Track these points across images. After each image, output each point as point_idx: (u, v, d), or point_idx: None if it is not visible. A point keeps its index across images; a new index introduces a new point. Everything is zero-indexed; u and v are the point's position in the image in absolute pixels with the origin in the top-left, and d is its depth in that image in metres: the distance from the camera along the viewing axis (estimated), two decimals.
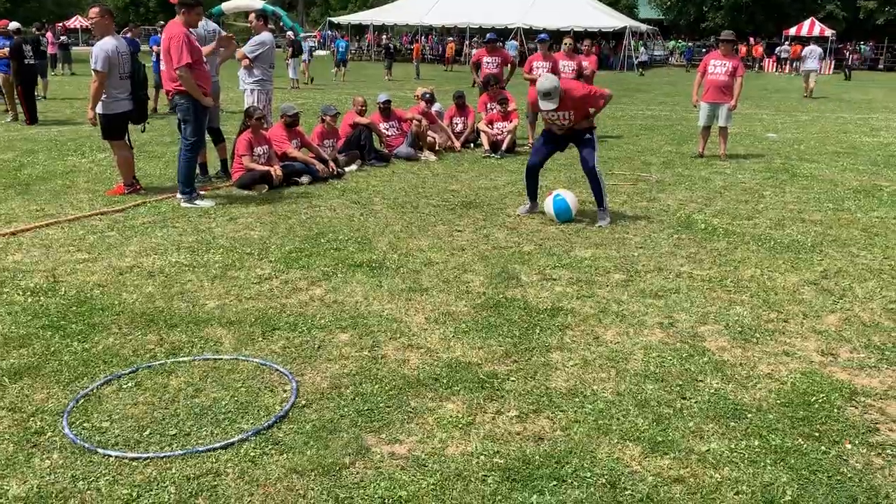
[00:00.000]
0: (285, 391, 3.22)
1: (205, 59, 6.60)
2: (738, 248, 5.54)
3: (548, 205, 6.29)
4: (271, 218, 6.23)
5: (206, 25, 7.66)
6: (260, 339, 3.77)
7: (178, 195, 6.74)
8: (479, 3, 39.27)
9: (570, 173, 8.42)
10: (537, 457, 2.74)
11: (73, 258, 5.02)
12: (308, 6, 67.68)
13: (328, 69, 27.80)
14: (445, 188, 7.63)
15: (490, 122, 10.08)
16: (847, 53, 34.67)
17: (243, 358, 3.53)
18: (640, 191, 7.64)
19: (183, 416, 2.99)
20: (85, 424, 2.93)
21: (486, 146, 9.80)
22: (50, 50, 24.31)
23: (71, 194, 6.96)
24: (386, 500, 2.49)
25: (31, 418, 2.96)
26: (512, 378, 3.38)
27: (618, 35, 38.96)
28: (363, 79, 26.81)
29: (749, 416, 3.07)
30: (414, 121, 9.51)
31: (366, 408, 3.08)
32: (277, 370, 3.41)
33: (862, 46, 43.75)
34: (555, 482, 2.59)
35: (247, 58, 8.05)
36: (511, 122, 10.00)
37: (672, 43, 49.05)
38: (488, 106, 10.47)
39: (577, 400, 3.18)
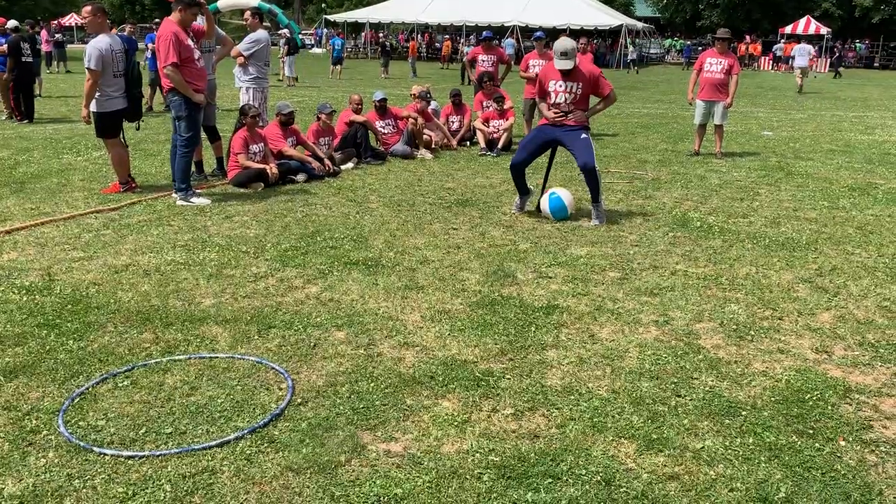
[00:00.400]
0: (281, 389, 3.23)
1: (196, 57, 6.57)
2: (734, 246, 5.56)
3: (544, 203, 6.30)
4: (267, 216, 6.23)
5: (200, 22, 7.64)
6: (256, 337, 3.77)
7: (174, 193, 6.73)
8: (475, 1, 39.24)
9: (566, 172, 8.43)
10: (532, 454, 2.75)
11: (68, 256, 5.01)
12: (304, 4, 67.56)
13: (323, 68, 27.76)
14: (441, 186, 7.63)
15: (486, 120, 10.08)
16: (837, 51, 34.70)
17: (239, 356, 3.53)
18: (636, 189, 7.65)
19: (178, 415, 2.99)
20: (80, 423, 2.93)
21: (483, 144, 9.81)
22: (45, 48, 24.24)
23: (66, 192, 6.95)
24: (381, 498, 2.49)
25: (27, 417, 2.96)
26: (507, 376, 3.38)
27: (614, 33, 38.97)
28: (359, 76, 26.78)
29: (743, 413, 3.08)
30: (410, 119, 9.51)
31: (361, 406, 3.08)
32: (273, 368, 3.41)
33: (857, 44, 43.85)
34: (550, 480, 2.60)
35: (242, 55, 8.04)
36: (507, 119, 10.01)
37: (668, 41, 49.11)
38: (484, 104, 10.48)
39: (572, 397, 3.19)
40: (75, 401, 3.09)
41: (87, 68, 6.49)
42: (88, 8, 6.67)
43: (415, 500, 2.49)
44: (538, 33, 11.24)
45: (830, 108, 17.59)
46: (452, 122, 10.68)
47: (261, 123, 7.83)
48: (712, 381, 3.37)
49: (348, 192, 7.28)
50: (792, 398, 3.22)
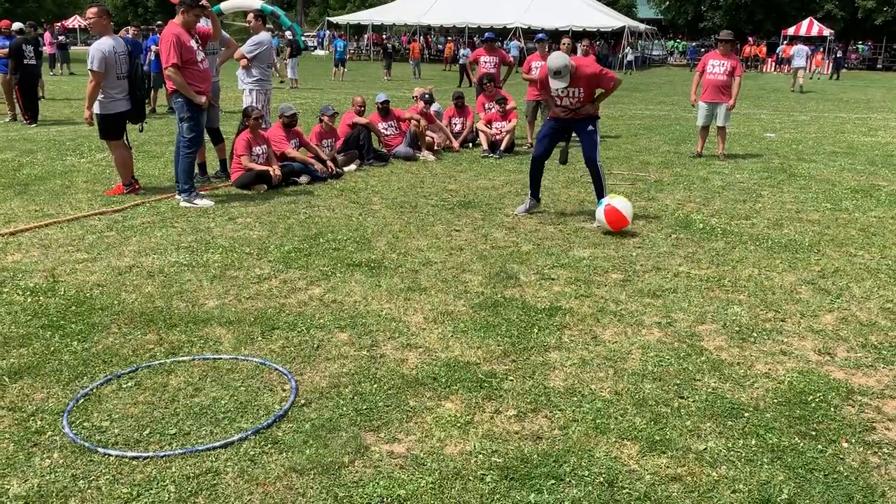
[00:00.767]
0: (284, 390, 3.23)
1: (200, 58, 6.58)
2: (736, 248, 5.56)
3: (599, 213, 5.93)
4: (270, 218, 6.24)
5: (205, 25, 7.67)
6: (259, 338, 3.78)
7: (177, 195, 6.75)
8: (477, 3, 39.28)
9: (569, 173, 8.44)
10: (535, 456, 2.76)
11: (72, 258, 5.03)
12: (306, 6, 67.64)
13: (326, 70, 27.80)
14: (444, 188, 7.64)
15: (489, 122, 10.09)
16: (837, 52, 34.68)
17: (242, 357, 3.54)
18: (639, 190, 7.65)
19: (182, 416, 3.00)
20: (85, 424, 2.94)
21: (485, 146, 9.82)
22: (48, 50, 24.33)
23: (70, 194, 6.97)
24: (384, 499, 2.50)
25: (32, 418, 2.97)
26: (510, 377, 3.39)
27: (616, 35, 38.98)
28: (362, 78, 26.81)
29: (746, 414, 3.09)
30: (412, 120, 9.52)
31: (364, 407, 3.09)
32: (276, 369, 3.42)
33: (861, 46, 43.80)
34: (553, 481, 2.61)
35: (245, 58, 8.06)
36: (510, 121, 10.02)
37: (671, 43, 49.07)
38: (486, 106, 10.49)
39: (575, 399, 3.20)
40: (80, 402, 3.11)
41: (90, 70, 6.51)
42: (94, 10, 6.69)
43: (418, 501, 2.49)
44: (540, 35, 11.25)
45: (833, 110, 17.58)
46: (455, 123, 10.70)
47: (264, 125, 7.85)
48: (715, 382, 3.38)
49: (351, 193, 7.29)
50: (794, 400, 3.22)
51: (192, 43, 6.52)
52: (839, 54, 33.92)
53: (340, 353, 3.61)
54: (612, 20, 38.86)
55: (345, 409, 3.08)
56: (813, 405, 3.18)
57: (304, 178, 7.73)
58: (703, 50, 37.35)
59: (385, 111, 9.62)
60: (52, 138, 10.54)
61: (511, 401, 3.17)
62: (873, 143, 11.64)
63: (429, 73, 29.92)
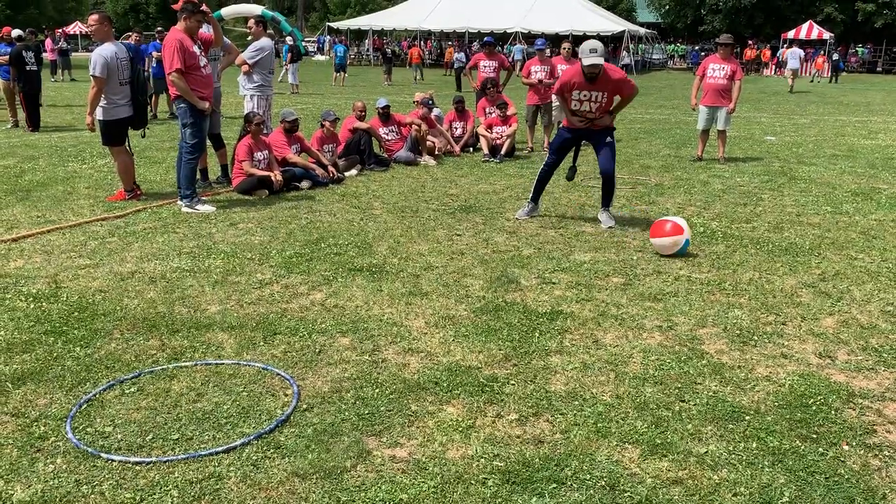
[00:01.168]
0: (286, 395, 3.24)
1: (202, 64, 6.61)
2: (737, 252, 5.57)
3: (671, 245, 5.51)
4: (272, 223, 6.26)
5: (207, 31, 7.70)
6: (261, 343, 3.79)
7: (179, 200, 6.77)
8: (477, 8, 39.37)
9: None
10: (537, 459, 2.77)
11: (74, 264, 5.04)
12: (307, 11, 67.78)
13: (327, 75, 27.83)
14: (445, 192, 7.65)
15: (489, 127, 10.11)
16: (836, 56, 34.71)
17: (245, 363, 3.56)
18: (639, 194, 7.66)
19: (185, 421, 3.01)
20: (88, 429, 2.95)
21: (486, 150, 9.84)
22: (49, 56, 24.42)
23: (72, 200, 6.99)
24: (387, 503, 2.51)
25: (35, 423, 2.98)
26: (512, 381, 3.40)
27: (617, 39, 39.05)
28: (362, 83, 26.86)
29: (747, 418, 3.09)
30: (413, 125, 9.54)
31: (366, 411, 3.10)
32: (279, 374, 3.43)
33: (860, 49, 43.83)
34: (554, 484, 2.61)
35: (246, 63, 8.09)
36: (510, 126, 10.04)
37: (671, 47, 49.10)
38: (487, 110, 10.51)
39: (576, 403, 3.20)
40: (83, 407, 3.12)
41: (92, 76, 6.53)
42: (95, 16, 6.72)
43: None
44: (539, 42, 11.27)
45: (833, 113, 17.60)
46: (456, 128, 10.72)
47: (265, 131, 7.87)
48: (716, 386, 3.39)
49: (352, 198, 7.31)
50: (795, 403, 3.23)
51: (196, 49, 6.55)
52: (835, 57, 33.93)
53: (342, 358, 3.62)
54: (612, 24, 38.92)
55: (347, 413, 3.09)
56: (814, 408, 3.18)
57: (305, 184, 7.75)
58: (703, 54, 37.37)
59: (386, 116, 9.64)
60: (53, 144, 10.57)
61: (512, 405, 3.18)
62: (873, 146, 11.65)
63: (430, 78, 29.96)
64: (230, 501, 2.51)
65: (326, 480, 2.62)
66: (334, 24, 46.21)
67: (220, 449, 2.80)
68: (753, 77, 34.62)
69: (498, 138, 9.97)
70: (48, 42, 25.77)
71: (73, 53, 30.00)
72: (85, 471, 2.67)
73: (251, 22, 8.58)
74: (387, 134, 9.66)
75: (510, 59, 27.70)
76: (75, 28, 46.53)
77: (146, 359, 3.59)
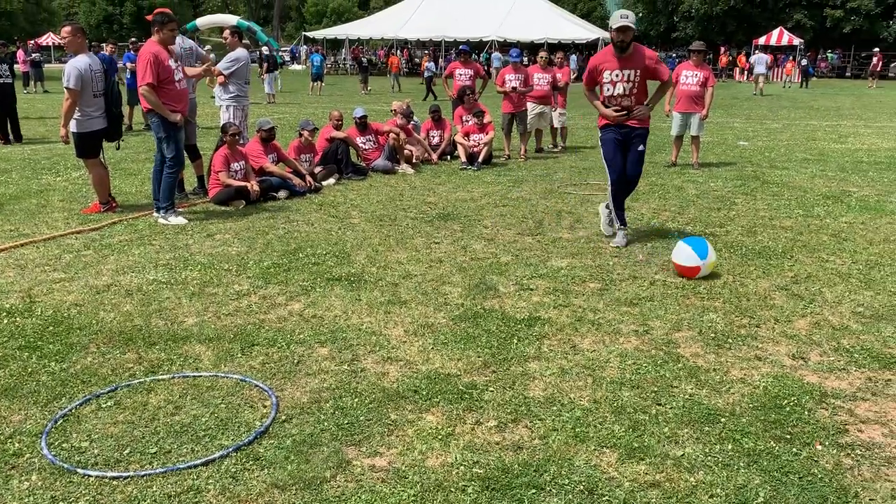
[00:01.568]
0: (265, 407, 3.24)
1: (177, 78, 6.57)
2: None
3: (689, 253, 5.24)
4: (249, 233, 6.23)
5: (182, 43, 7.67)
6: (239, 355, 3.78)
7: (155, 212, 6.72)
8: (453, 17, 39.58)
9: (546, 185, 8.50)
10: (516, 465, 2.78)
11: (49, 278, 4.99)
12: (283, 21, 67.64)
13: (303, 84, 27.77)
14: (423, 201, 7.67)
15: (466, 135, 10.16)
16: (805, 61, 35.28)
17: (223, 374, 3.54)
18: None
19: (163, 434, 3.00)
20: (64, 445, 2.92)
21: (463, 158, 9.88)
22: (22, 68, 24.12)
23: (46, 213, 6.91)
24: None
25: (9, 440, 2.95)
26: (490, 388, 3.42)
27: (591, 46, 39.40)
28: (339, 93, 26.84)
29: (722, 420, 3.14)
30: (391, 134, 9.56)
31: (346, 421, 3.10)
32: (257, 386, 3.42)
33: (830, 54, 44.61)
34: (534, 490, 2.63)
35: (222, 74, 8.06)
36: (487, 133, 10.09)
37: None
38: (464, 118, 10.56)
39: (554, 408, 3.23)
40: (58, 423, 3.09)
41: (66, 88, 6.48)
42: (68, 28, 6.67)
43: None
44: (514, 52, 11.36)
45: (804, 118, 17.88)
46: (433, 136, 10.76)
47: (241, 141, 7.85)
48: (692, 389, 3.43)
49: (330, 207, 7.31)
50: (769, 404, 3.28)
51: (171, 62, 6.51)
52: (804, 63, 34.50)
53: (321, 368, 3.62)
54: (586, 32, 39.28)
55: (326, 423, 3.08)
56: (787, 409, 3.23)
57: (282, 193, 7.73)
58: (676, 60, 37.79)
59: (363, 126, 9.65)
60: (26, 157, 10.44)
61: (491, 412, 3.20)
62: (843, 150, 11.86)
63: (406, 87, 30.01)
64: None
65: (306, 491, 2.62)
66: (310, 34, 46.17)
67: (198, 462, 2.78)
68: (725, 83, 35.06)
69: (475, 146, 10.01)
70: (20, 53, 25.45)
71: (46, 65, 29.66)
72: (61, 487, 2.64)
73: (226, 32, 8.56)
74: (364, 143, 9.67)
75: (487, 68, 27.85)
76: (48, 39, 46.06)
77: (123, 372, 3.56)
